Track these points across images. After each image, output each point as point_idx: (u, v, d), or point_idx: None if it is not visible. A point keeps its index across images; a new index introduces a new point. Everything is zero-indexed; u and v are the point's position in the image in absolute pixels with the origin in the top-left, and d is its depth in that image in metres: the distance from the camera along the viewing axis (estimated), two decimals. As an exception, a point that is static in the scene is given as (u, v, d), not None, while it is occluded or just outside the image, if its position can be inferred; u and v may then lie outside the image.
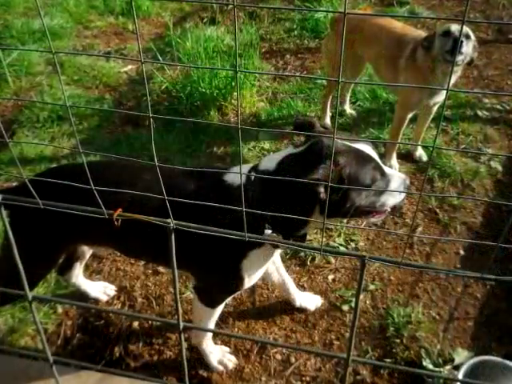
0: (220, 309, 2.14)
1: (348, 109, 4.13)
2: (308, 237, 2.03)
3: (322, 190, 1.55)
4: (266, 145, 3.77)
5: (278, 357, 2.41)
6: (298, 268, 2.82)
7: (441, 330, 2.51)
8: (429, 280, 2.76)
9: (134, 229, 1.70)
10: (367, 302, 2.64)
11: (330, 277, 2.78)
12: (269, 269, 2.39)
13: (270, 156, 1.84)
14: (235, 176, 1.76)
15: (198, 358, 2.35)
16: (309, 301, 2.59)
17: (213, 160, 3.64)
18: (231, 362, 2.35)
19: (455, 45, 2.81)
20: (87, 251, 2.47)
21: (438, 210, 3.19)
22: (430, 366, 2.34)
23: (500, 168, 3.51)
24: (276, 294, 2.67)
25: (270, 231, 1.68)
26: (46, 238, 1.96)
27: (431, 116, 3.47)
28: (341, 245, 2.95)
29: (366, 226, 3.04)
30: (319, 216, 1.65)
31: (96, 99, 4.36)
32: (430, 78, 3.07)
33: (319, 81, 4.49)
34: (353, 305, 2.59)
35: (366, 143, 1.73)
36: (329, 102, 3.94)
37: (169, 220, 0.89)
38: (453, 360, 2.36)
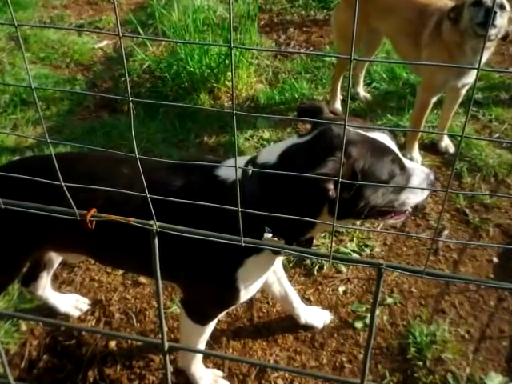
0: (212, 326, 2.14)
1: (362, 91, 4.13)
2: (315, 242, 2.03)
3: (331, 186, 1.55)
4: (266, 134, 3.77)
5: (280, 382, 2.41)
6: (303, 278, 2.83)
7: (471, 350, 2.52)
8: (456, 292, 2.76)
9: (110, 232, 1.70)
10: (384, 318, 2.65)
11: (341, 289, 2.78)
12: (269, 279, 2.39)
13: (270, 147, 1.84)
14: (229, 170, 1.76)
15: (186, 384, 2.36)
16: (316, 317, 2.59)
17: (203, 151, 3.63)
18: (225, 388, 2.35)
19: (487, 16, 2.81)
20: (56, 258, 2.46)
21: (467, 211, 3.19)
22: (458, 393, 2.34)
23: (540, 161, 3.52)
24: (277, 308, 2.68)
25: (270, 235, 1.68)
26: (7, 242, 1.95)
27: (459, 100, 3.47)
28: (353, 251, 2.95)
29: (383, 229, 3.04)
30: (328, 217, 1.65)
31: (66, 80, 4.35)
32: (457, 55, 3.07)
33: (328, 59, 4.49)
34: (367, 321, 2.59)
35: (383, 132, 1.73)
36: (339, 84, 3.94)
37: (151, 222, 0.89)
38: (484, 386, 2.37)
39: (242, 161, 1.83)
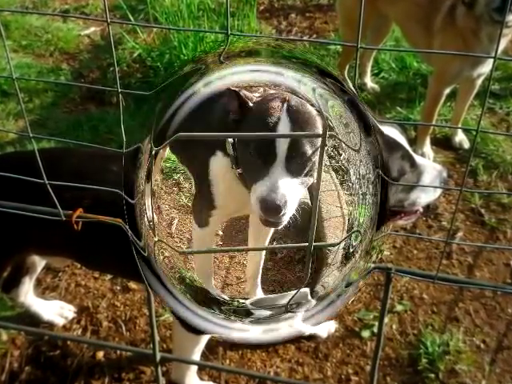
0: (207, 335, 2.14)
1: (369, 82, 4.13)
2: (319, 244, 2.03)
3: (336, 184, 1.55)
4: (266, 128, 3.76)
5: (281, 396, 2.42)
6: (305, 284, 2.83)
7: (487, 361, 2.52)
8: (471, 299, 2.76)
9: (98, 234, 1.70)
10: (393, 326, 2.65)
11: (347, 295, 2.78)
12: (269, 285, 2.39)
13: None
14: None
15: (180, 398, 2.36)
16: (319, 325, 2.59)
17: (198, 147, 3.63)
18: (221, 402, 2.36)
19: (505, 1, 2.81)
20: (39, 262, 2.46)
21: (483, 211, 3.19)
22: (473, 407, 2.35)
23: (561, 157, 3.53)
24: (278, 316, 2.67)
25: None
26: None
27: (474, 91, 3.47)
28: (360, 254, 2.95)
29: (392, 231, 3.04)
30: (333, 218, 1.65)
31: (50, 70, 4.35)
32: (472, 42, 3.07)
33: (333, 47, 4.49)
34: (375, 330, 2.60)
35: (392, 126, 1.73)
36: (345, 74, 3.93)
37: (142, 223, 0.89)
38: (501, 399, 2.37)
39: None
